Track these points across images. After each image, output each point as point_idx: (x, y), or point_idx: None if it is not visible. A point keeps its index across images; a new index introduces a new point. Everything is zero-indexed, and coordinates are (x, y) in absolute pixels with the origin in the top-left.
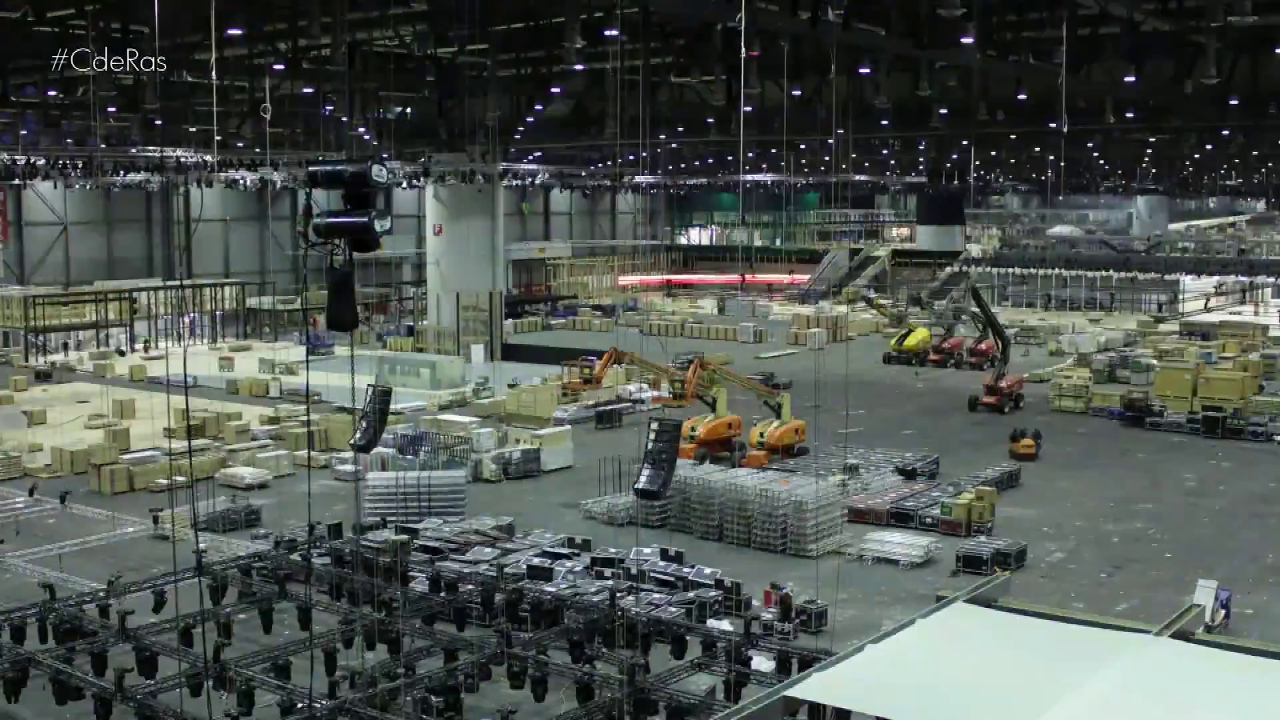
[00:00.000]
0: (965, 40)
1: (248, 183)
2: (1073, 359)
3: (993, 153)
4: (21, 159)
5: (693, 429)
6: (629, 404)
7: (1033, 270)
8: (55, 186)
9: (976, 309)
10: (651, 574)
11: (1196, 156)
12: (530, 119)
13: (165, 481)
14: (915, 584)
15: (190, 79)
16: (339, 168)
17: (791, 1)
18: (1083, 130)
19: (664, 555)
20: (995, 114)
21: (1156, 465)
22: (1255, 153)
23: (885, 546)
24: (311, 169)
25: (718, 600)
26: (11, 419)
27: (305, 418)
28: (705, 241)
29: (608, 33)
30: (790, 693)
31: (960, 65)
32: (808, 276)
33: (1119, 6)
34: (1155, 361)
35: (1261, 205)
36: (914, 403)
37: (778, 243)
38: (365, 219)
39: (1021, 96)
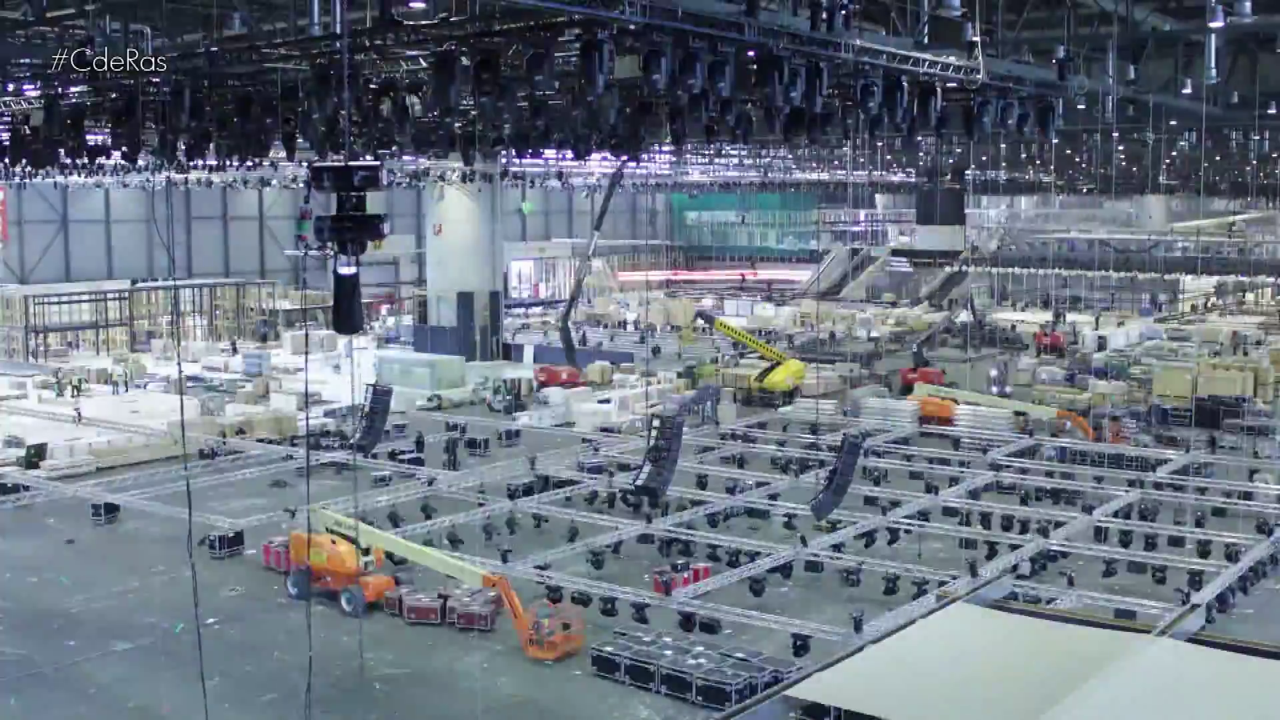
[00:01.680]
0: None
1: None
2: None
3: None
4: None
5: None
6: None
7: (1032, 270)
8: (55, 186)
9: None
10: None
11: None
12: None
13: None
14: None
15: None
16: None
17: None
18: (1083, 130)
19: None
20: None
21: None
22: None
23: None
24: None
25: None
26: None
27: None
28: (706, 241)
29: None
30: (790, 693)
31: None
32: (807, 274)
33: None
34: (1155, 361)
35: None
36: None
37: (778, 242)
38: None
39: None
